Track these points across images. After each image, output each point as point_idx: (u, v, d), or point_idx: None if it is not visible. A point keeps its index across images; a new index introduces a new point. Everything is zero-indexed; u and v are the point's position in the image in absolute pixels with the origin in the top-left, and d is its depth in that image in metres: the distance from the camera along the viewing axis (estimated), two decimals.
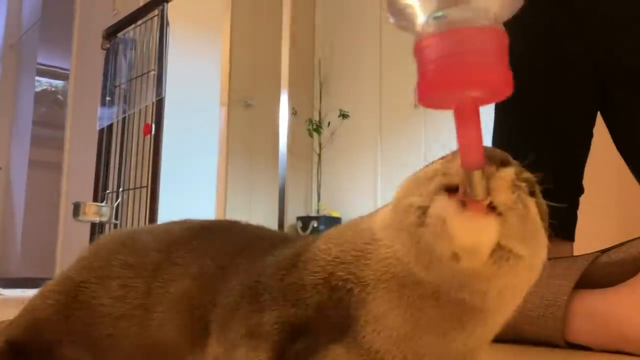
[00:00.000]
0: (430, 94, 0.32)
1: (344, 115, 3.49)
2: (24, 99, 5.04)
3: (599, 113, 1.06)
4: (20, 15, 5.18)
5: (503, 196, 0.36)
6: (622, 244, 0.87)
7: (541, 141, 1.03)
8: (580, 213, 1.07)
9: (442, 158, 0.39)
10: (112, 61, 3.23)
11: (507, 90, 0.32)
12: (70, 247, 3.89)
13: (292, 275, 0.44)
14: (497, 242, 0.36)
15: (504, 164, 0.37)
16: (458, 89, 0.32)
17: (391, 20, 0.34)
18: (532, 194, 0.39)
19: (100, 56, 3.34)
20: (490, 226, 0.35)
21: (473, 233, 0.35)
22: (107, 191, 3.12)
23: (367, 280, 0.42)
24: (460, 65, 0.31)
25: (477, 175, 0.35)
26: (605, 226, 1.51)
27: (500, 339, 0.44)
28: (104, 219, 2.96)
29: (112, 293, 0.53)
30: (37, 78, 5.04)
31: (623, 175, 1.33)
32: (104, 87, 3.21)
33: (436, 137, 3.30)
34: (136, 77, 3.08)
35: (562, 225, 1.11)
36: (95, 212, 2.94)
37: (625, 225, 1.52)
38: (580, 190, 1.06)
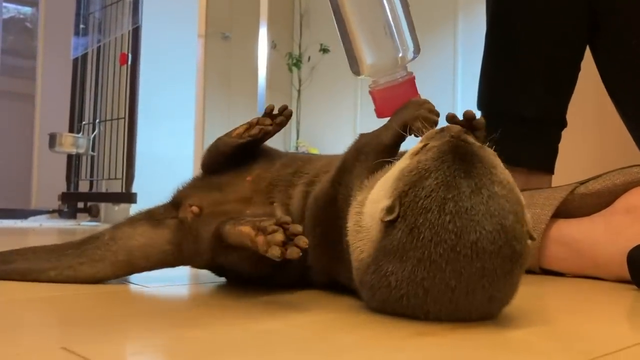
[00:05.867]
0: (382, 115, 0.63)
1: (324, 50, 3.43)
2: None
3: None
4: None
5: None
6: (599, 176, 0.90)
7: (530, 73, 1.03)
8: (560, 145, 1.09)
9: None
10: None
11: None
12: (46, 179, 3.85)
13: None
14: None
15: None
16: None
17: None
18: None
19: None
20: None
21: None
22: (83, 122, 3.06)
23: None
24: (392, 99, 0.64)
25: None
26: (583, 158, 1.55)
27: None
28: (81, 150, 2.92)
29: None
30: (4, 4, 4.83)
31: (601, 108, 1.35)
32: (77, 14, 3.09)
33: (415, 73, 3.28)
34: (111, 4, 2.97)
35: (542, 159, 1.13)
36: (72, 143, 2.89)
37: (602, 158, 1.56)
38: (563, 123, 1.07)
